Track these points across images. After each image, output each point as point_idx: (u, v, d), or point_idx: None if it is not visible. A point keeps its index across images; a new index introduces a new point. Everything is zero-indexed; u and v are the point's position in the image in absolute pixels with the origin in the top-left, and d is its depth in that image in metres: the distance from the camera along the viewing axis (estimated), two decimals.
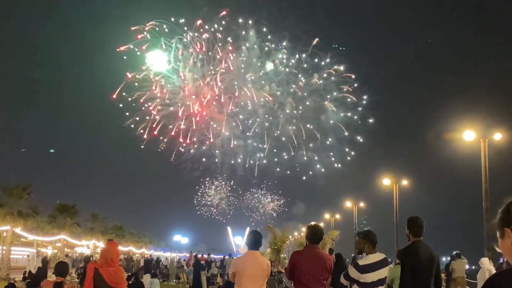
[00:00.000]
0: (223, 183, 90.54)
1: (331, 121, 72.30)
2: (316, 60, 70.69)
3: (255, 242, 7.81)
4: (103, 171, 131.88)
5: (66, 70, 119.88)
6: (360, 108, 69.98)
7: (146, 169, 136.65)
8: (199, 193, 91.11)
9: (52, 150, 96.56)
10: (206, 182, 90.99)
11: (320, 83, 71.20)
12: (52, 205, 46.01)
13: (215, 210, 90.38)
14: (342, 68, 69.67)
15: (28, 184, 37.63)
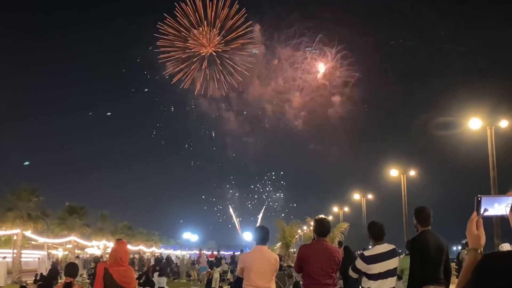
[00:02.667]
0: (233, 181, 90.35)
1: (338, 115, 72.09)
2: (321, 55, 70.37)
3: (262, 237, 7.83)
4: (111, 171, 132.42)
5: (74, 70, 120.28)
6: (365, 101, 69.61)
7: (154, 168, 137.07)
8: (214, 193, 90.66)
9: (27, 163, 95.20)
10: (218, 181, 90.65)
11: (325, 78, 70.95)
12: (61, 207, 46.21)
13: (229, 208, 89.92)
14: (346, 62, 69.39)
15: (36, 187, 37.83)
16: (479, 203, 2.80)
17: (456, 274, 19.74)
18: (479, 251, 2.71)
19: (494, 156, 23.58)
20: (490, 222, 21.89)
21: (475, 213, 2.79)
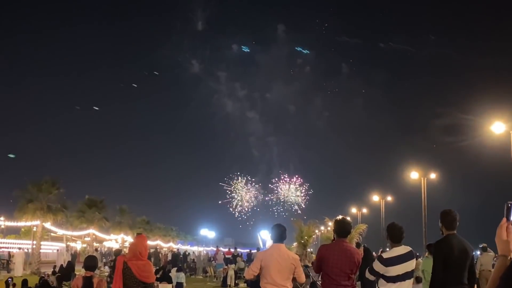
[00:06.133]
0: (253, 178, 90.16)
1: (360, 116, 71.58)
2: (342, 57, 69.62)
3: (279, 235, 7.78)
4: (130, 166, 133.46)
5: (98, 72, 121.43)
6: (387, 104, 68.93)
7: (173, 164, 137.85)
8: (228, 190, 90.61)
9: (12, 155, 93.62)
10: (235, 177, 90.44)
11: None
12: (80, 200, 46.60)
13: (245, 206, 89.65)
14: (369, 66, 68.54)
15: (57, 179, 38.19)
16: (509, 210, 2.76)
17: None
18: (508, 258, 2.66)
19: None
20: None
21: (504, 219, 2.75)
